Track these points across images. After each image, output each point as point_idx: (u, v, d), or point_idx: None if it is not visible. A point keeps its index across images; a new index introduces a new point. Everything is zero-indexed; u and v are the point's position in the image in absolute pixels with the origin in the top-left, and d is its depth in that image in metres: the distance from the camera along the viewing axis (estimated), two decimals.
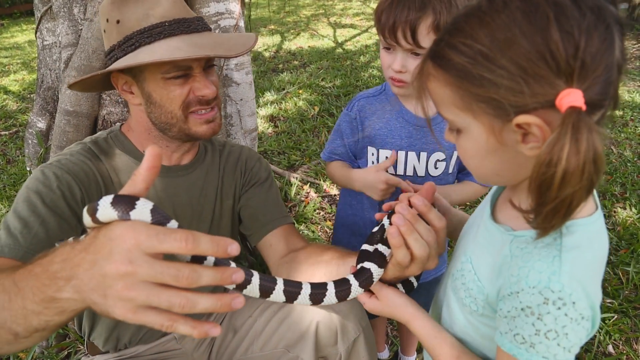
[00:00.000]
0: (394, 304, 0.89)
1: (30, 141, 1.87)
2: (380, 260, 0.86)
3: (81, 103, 1.60)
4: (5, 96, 5.33)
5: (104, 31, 1.16)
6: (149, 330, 1.31)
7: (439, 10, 1.10)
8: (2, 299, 0.71)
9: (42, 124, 1.84)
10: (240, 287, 0.75)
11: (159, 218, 0.61)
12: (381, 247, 0.87)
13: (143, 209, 0.60)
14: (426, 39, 1.12)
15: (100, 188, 1.16)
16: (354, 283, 0.86)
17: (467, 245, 0.86)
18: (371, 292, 0.92)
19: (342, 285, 0.86)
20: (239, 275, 0.59)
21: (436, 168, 1.34)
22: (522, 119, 0.61)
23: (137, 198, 0.61)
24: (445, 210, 1.00)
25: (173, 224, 0.62)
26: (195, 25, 1.17)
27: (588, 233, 0.68)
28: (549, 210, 0.59)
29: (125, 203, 0.60)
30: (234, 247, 0.58)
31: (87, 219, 0.64)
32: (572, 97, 0.56)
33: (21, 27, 10.31)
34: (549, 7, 0.58)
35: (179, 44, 1.11)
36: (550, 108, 0.59)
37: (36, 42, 1.90)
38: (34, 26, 1.87)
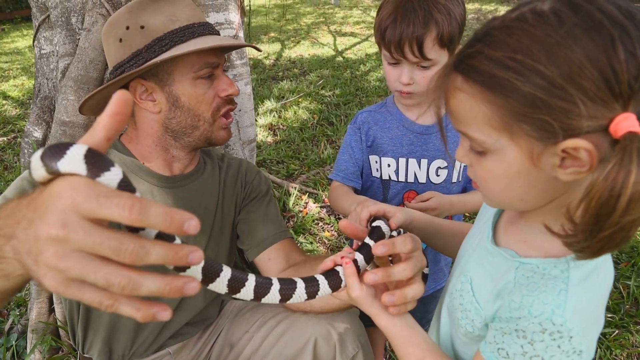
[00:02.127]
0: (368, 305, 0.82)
1: (26, 151, 1.85)
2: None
3: (77, 113, 1.58)
4: (4, 102, 5.32)
5: (120, 40, 1.16)
6: (142, 344, 1.29)
7: (441, 23, 1.14)
8: None
9: (38, 134, 1.82)
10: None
11: (95, 169, 0.48)
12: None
13: (74, 157, 0.48)
14: (432, 51, 1.16)
15: None
16: (299, 286, 0.78)
17: (467, 265, 0.84)
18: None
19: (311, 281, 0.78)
20: (197, 255, 0.49)
21: (438, 175, 1.35)
22: (572, 143, 0.57)
23: (69, 145, 0.49)
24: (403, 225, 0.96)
25: (115, 172, 0.50)
26: (215, 29, 1.23)
27: (595, 265, 0.67)
28: (606, 236, 0.57)
29: (54, 153, 0.49)
30: (192, 224, 0.48)
31: (30, 176, 0.55)
32: (630, 122, 0.54)
33: (22, 32, 10.32)
34: (612, 26, 0.55)
35: (214, 40, 1.16)
36: (599, 132, 0.56)
37: (34, 51, 1.89)
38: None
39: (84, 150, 0.49)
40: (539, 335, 0.64)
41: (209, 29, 1.20)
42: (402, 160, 1.36)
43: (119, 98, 0.53)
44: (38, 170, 0.51)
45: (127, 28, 1.14)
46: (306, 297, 0.77)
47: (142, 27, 1.13)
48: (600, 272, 0.68)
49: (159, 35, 1.13)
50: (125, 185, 0.50)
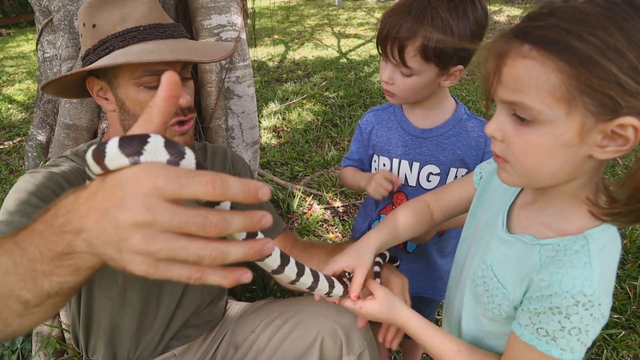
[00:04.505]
0: (392, 305, 0.93)
1: (30, 154, 1.86)
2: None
3: (81, 116, 1.59)
4: (9, 105, 5.35)
5: (81, 35, 1.15)
6: (147, 346, 1.29)
7: (429, 37, 1.09)
8: (6, 262, 0.62)
9: (42, 137, 1.83)
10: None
11: (175, 156, 0.51)
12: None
13: (157, 146, 0.51)
14: (412, 60, 1.13)
15: None
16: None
17: (486, 254, 0.88)
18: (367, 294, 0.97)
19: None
20: (268, 219, 0.52)
21: (429, 181, 1.34)
22: (628, 120, 0.62)
23: (147, 136, 0.51)
24: None
25: (190, 155, 0.52)
26: (171, 31, 1.16)
27: (608, 235, 0.73)
28: None
29: (135, 144, 0.51)
30: (264, 192, 0.50)
31: (94, 167, 0.54)
32: None
33: (27, 36, 10.38)
34: None
35: (153, 48, 1.10)
36: None
37: (37, 55, 1.90)
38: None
39: (162, 139, 0.51)
40: (573, 309, 0.70)
41: (157, 33, 1.12)
42: (395, 161, 1.35)
43: (168, 80, 0.52)
44: (118, 161, 0.51)
45: (84, 25, 1.12)
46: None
47: (94, 26, 1.10)
48: (613, 240, 0.74)
49: (104, 37, 1.10)
50: (201, 166, 0.53)
